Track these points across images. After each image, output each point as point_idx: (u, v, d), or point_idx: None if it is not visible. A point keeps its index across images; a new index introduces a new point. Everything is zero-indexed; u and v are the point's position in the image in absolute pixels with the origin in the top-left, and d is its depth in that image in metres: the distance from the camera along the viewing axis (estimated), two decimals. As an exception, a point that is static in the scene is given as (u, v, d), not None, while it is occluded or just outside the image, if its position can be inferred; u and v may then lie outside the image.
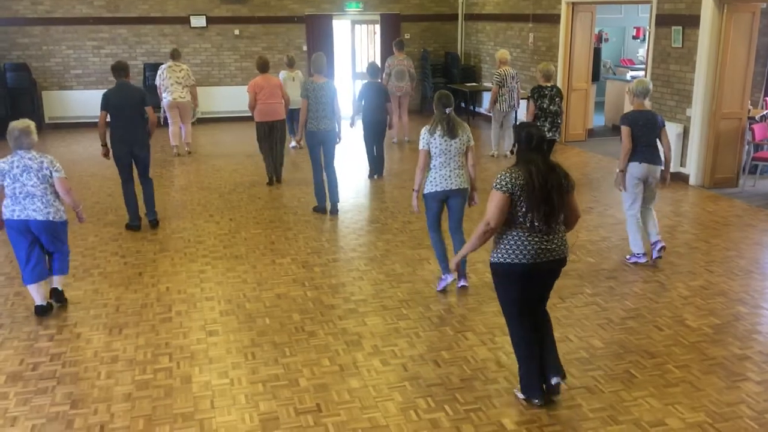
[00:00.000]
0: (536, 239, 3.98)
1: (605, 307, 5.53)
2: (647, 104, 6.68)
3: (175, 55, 11.14)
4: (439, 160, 5.58)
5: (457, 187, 5.64)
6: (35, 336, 5.11)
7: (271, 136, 9.39)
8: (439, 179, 5.61)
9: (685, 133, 9.28)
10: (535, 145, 3.99)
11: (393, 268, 6.36)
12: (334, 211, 8.06)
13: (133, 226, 7.53)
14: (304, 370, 4.60)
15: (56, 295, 5.64)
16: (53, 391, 4.38)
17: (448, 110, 5.54)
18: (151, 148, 7.65)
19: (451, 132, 5.53)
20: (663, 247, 6.38)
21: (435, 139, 5.54)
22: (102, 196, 8.72)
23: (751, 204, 8.39)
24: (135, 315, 5.46)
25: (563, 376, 4.20)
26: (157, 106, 12.17)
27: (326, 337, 5.06)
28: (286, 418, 4.07)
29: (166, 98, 11.02)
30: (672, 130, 9.33)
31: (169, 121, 11.26)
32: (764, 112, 9.78)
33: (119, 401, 4.25)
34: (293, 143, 11.80)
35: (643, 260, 6.40)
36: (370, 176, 9.79)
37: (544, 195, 3.91)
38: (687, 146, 9.27)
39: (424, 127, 5.64)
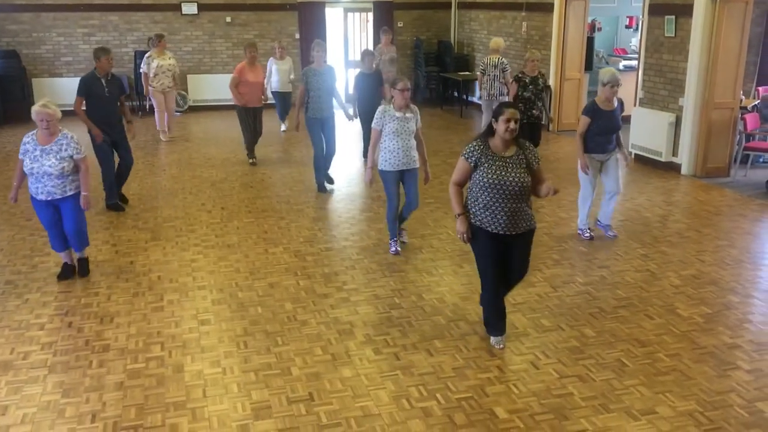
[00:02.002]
0: None
1: (597, 296, 5.55)
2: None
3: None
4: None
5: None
6: (26, 325, 5.09)
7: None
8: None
9: (678, 122, 9.29)
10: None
11: (385, 258, 6.36)
12: (329, 181, 8.69)
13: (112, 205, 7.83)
14: (297, 359, 4.60)
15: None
16: (44, 380, 4.36)
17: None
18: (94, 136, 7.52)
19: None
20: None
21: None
22: (93, 184, 8.65)
23: (743, 194, 8.42)
24: (127, 304, 5.45)
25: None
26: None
27: (318, 326, 5.07)
28: (279, 406, 4.07)
29: None
30: (664, 119, 9.38)
31: None
32: (756, 102, 9.81)
33: (111, 390, 4.24)
34: (283, 127, 12.08)
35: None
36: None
37: None
38: (679, 136, 9.29)
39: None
